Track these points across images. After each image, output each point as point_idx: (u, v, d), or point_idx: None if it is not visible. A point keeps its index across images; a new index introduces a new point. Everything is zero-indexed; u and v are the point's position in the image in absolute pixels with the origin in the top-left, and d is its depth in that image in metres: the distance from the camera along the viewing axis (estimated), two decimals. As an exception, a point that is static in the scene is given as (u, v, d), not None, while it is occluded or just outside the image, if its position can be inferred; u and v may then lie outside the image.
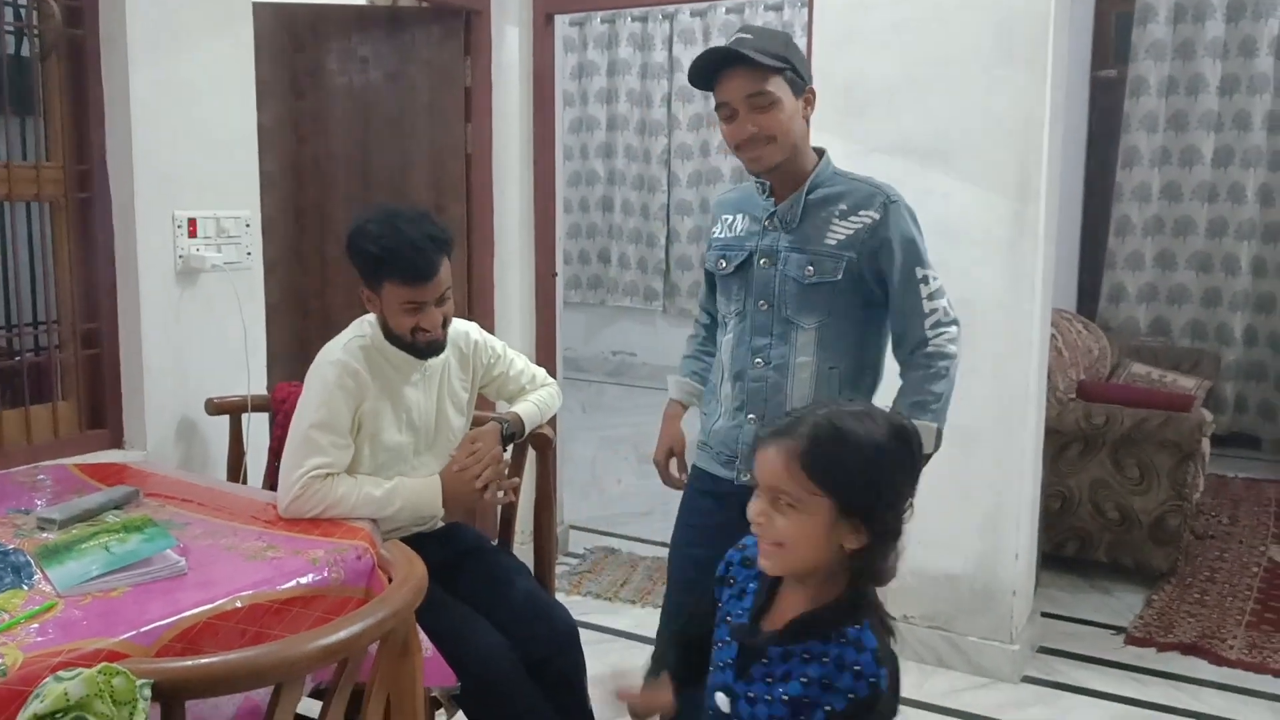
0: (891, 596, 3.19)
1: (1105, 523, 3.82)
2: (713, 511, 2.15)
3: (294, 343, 3.49)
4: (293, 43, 3.62)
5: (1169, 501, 3.73)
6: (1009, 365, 2.98)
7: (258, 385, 2.78)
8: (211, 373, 2.73)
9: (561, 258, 4.01)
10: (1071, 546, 3.90)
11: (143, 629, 1.54)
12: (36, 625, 1.53)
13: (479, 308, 3.76)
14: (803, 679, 1.33)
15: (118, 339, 2.63)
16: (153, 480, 2.30)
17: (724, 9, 6.72)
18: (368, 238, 2.12)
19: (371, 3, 3.91)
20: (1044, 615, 3.47)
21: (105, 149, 2.57)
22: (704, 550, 2.19)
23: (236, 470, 2.69)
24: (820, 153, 2.10)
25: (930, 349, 2.03)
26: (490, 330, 3.70)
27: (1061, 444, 3.83)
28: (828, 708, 1.31)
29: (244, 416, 2.69)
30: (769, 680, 1.38)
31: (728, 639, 1.47)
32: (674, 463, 2.28)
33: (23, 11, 2.50)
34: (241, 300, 2.74)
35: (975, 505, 3.08)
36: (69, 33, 2.51)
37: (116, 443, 2.65)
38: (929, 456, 1.95)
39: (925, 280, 2.04)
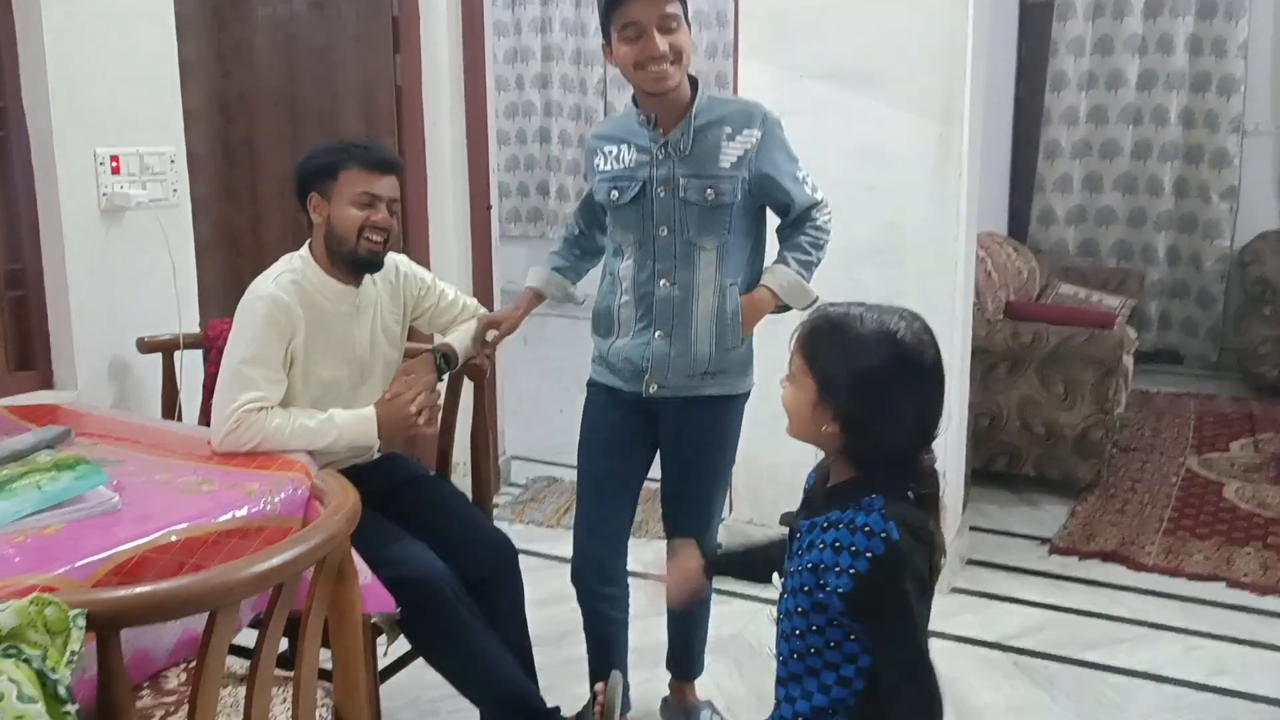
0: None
1: (1033, 438, 3.95)
2: (622, 423, 2.28)
3: (227, 279, 3.44)
4: (213, -28, 3.52)
5: (1093, 416, 3.86)
6: (934, 287, 3.05)
7: (190, 323, 2.75)
8: (142, 311, 2.70)
9: (498, 190, 3.99)
10: (1001, 462, 4.03)
11: (77, 564, 1.55)
12: (-31, 564, 1.54)
13: (414, 242, 3.74)
14: (820, 545, 1.42)
15: (43, 279, 2.59)
16: (85, 419, 2.29)
17: (657, -66, 6.63)
18: (323, 148, 2.21)
19: (292, -70, 3.80)
20: (973, 529, 3.59)
21: (20, 85, 2.51)
22: (614, 462, 2.29)
23: (171, 408, 2.68)
24: (694, 81, 2.17)
25: (819, 218, 2.23)
26: (426, 265, 3.70)
27: (990, 363, 3.94)
28: (851, 570, 1.37)
29: (176, 354, 2.67)
30: (799, 553, 1.47)
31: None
32: (491, 334, 2.40)
33: (-76, -58, 2.41)
34: (169, 237, 2.70)
35: (904, 424, 3.16)
36: (-26, -35, 2.44)
37: (46, 384, 2.62)
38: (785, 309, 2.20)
39: (805, 180, 2.21)
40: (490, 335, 2.40)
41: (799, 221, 2.23)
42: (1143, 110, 5.82)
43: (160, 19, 2.73)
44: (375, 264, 2.26)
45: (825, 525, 1.43)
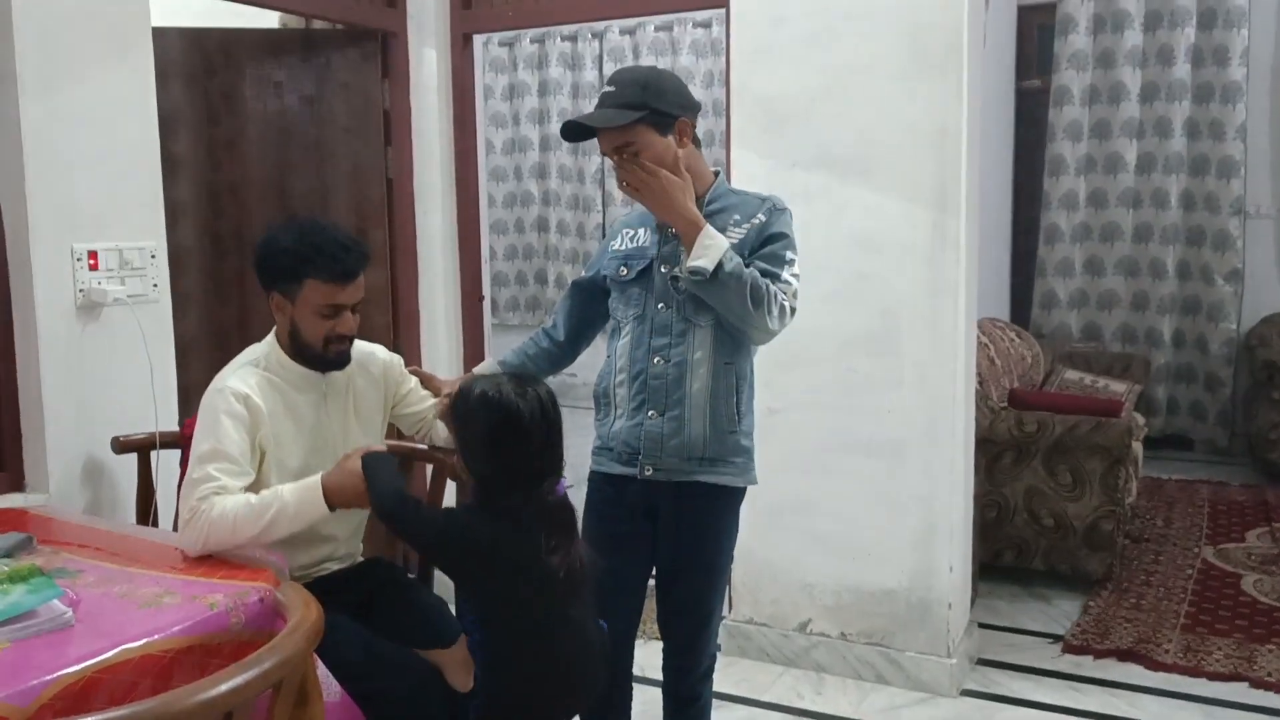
0: (828, 614, 3.19)
1: (1041, 530, 3.83)
2: (624, 519, 2.22)
3: (212, 375, 3.38)
4: (205, 68, 3.54)
5: (1102, 507, 3.75)
6: (933, 376, 2.97)
7: (168, 421, 2.68)
8: (119, 411, 2.63)
9: (489, 280, 3.95)
10: (1009, 555, 3.90)
11: (19, 688, 1.45)
12: (-95, 687, 1.44)
13: (405, 333, 3.69)
14: None
15: (15, 377, 2.53)
16: (51, 525, 2.21)
17: (653, 27, 6.72)
18: (287, 238, 2.10)
19: (284, 25, 3.83)
20: (983, 626, 3.46)
21: (-3, 182, 2.47)
22: (615, 561, 2.22)
23: (146, 510, 2.59)
24: (716, 173, 2.23)
25: (774, 289, 2.07)
26: (417, 356, 3.64)
27: (995, 453, 3.84)
28: None
29: (153, 454, 2.59)
30: None
31: None
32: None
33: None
34: (147, 334, 2.64)
35: (906, 518, 3.06)
36: (-46, 62, 2.42)
37: (17, 486, 2.54)
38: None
39: (790, 263, 2.13)
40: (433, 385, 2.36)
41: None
42: (1142, 194, 5.81)
43: (143, 113, 2.70)
44: (341, 365, 2.20)
45: None
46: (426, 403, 2.37)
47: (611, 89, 2.09)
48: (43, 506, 2.43)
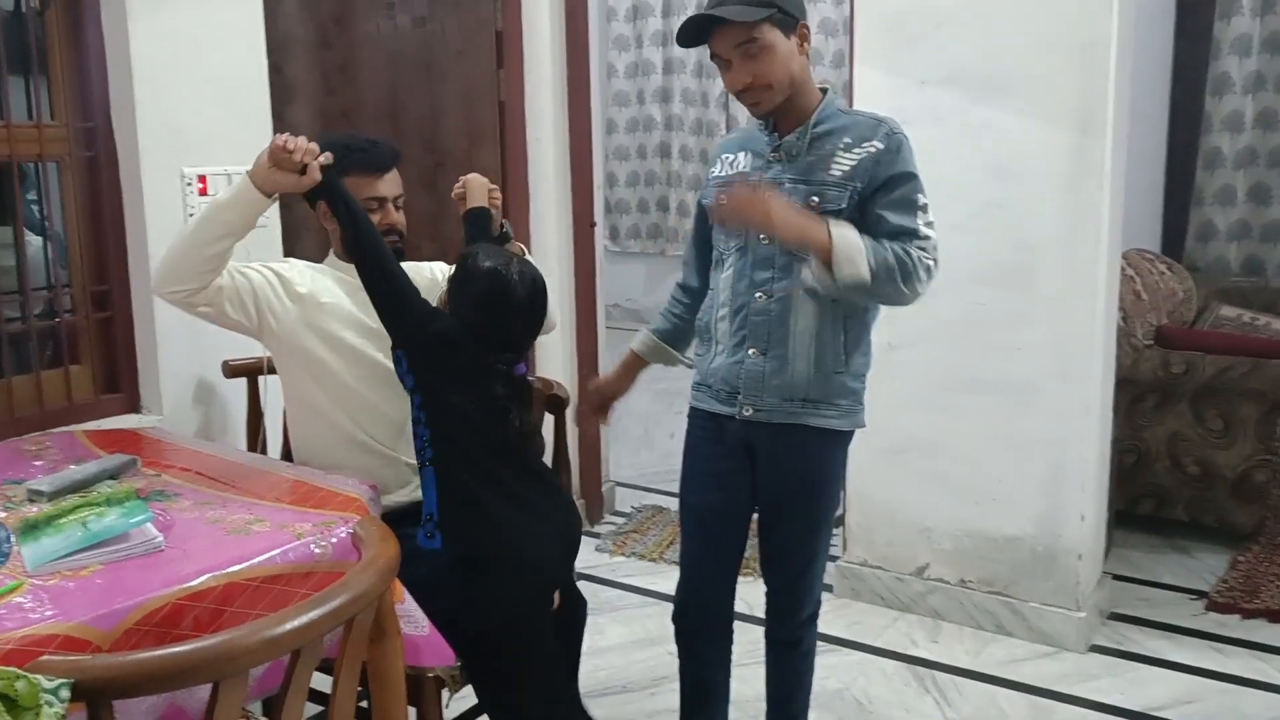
0: (946, 559, 3.04)
1: (1184, 479, 3.57)
2: (725, 455, 2.12)
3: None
4: (318, -11, 3.50)
5: (1255, 455, 3.47)
6: (1070, 312, 2.76)
7: (276, 347, 2.68)
8: (229, 335, 2.63)
9: (602, 206, 3.85)
10: (1148, 504, 3.65)
11: (103, 612, 1.45)
12: (-5, 609, 1.45)
13: (516, 261, 3.63)
14: None
15: (130, 301, 2.57)
16: (157, 447, 2.23)
17: (783, -59, 6.41)
18: (319, 144, 2.06)
19: (398, -55, 3.75)
20: (1116, 578, 3.26)
21: (109, 104, 2.48)
22: (716, 498, 2.14)
23: (255, 434, 2.61)
24: (824, 90, 2.04)
25: (913, 251, 1.91)
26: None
27: (1136, 394, 3.58)
28: None
29: (261, 379, 2.61)
30: None
31: None
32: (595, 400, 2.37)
33: (17, -36, 2.41)
34: (257, 258, 2.63)
35: (1034, 462, 2.87)
36: (65, -16, 2.43)
37: (133, 407, 2.60)
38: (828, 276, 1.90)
39: (924, 209, 1.96)
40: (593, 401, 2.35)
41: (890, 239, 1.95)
42: (1317, 115, 5.30)
43: (251, 37, 2.68)
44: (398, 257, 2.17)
45: None
46: None
47: None
48: (155, 428, 2.46)
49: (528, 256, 2.21)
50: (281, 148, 1.92)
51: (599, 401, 2.37)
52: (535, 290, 2.00)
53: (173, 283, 2.04)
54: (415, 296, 1.99)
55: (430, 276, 2.34)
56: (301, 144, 1.94)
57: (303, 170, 1.95)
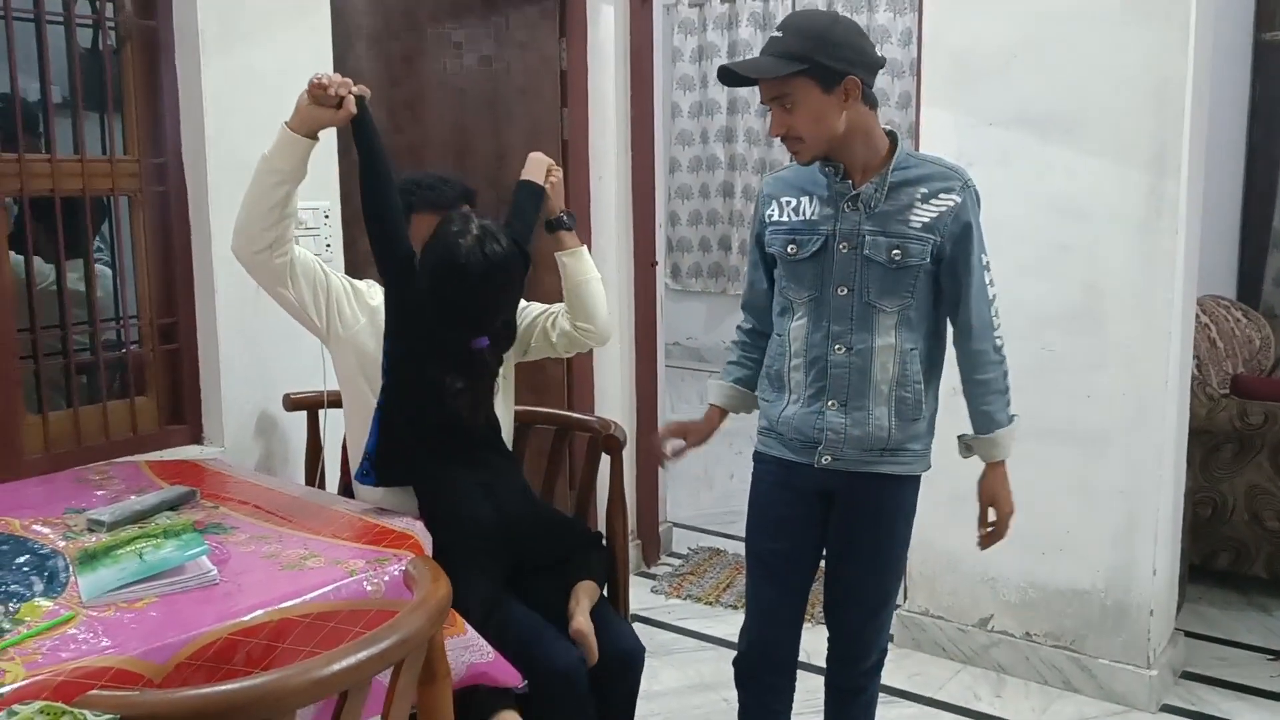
0: (1011, 611, 2.95)
1: (1264, 533, 3.44)
2: (794, 502, 2.10)
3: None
4: (386, 29, 3.56)
5: (1339, 511, 3.33)
6: (1143, 358, 2.68)
7: (335, 382, 2.70)
8: (290, 368, 2.66)
9: (664, 244, 3.84)
10: (1224, 559, 3.52)
11: (156, 645, 1.46)
12: (49, 640, 1.46)
13: (576, 298, 3.63)
14: None
15: (195, 334, 2.60)
16: (218, 479, 2.25)
17: (847, -19, 6.42)
18: (396, 183, 2.15)
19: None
20: (1189, 635, 3.13)
21: (180, 141, 2.53)
22: (785, 544, 2.11)
23: (314, 467, 2.63)
24: (892, 135, 2.00)
25: (998, 338, 2.03)
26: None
27: (1212, 445, 3.46)
28: None
29: (321, 412, 2.62)
30: None
31: None
32: (674, 444, 2.26)
33: (96, 3, 2.47)
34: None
35: (1105, 513, 2.78)
36: (141, 24, 2.48)
37: (195, 438, 2.62)
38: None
39: (988, 267, 2.02)
40: (672, 446, 2.25)
41: (978, 349, 2.04)
42: (1402, 158, 5.13)
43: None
44: None
45: None
46: (534, 310, 2.33)
47: (779, 35, 1.91)
48: (216, 460, 2.49)
49: (586, 254, 2.29)
50: (318, 85, 1.99)
51: (679, 433, 2.26)
52: (490, 267, 1.97)
53: (248, 240, 2.08)
54: (402, 248, 2.04)
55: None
56: (336, 79, 2.00)
57: (338, 105, 2.01)
